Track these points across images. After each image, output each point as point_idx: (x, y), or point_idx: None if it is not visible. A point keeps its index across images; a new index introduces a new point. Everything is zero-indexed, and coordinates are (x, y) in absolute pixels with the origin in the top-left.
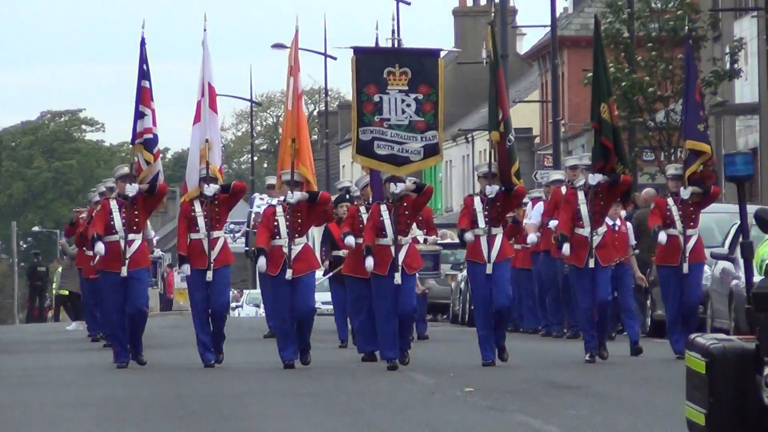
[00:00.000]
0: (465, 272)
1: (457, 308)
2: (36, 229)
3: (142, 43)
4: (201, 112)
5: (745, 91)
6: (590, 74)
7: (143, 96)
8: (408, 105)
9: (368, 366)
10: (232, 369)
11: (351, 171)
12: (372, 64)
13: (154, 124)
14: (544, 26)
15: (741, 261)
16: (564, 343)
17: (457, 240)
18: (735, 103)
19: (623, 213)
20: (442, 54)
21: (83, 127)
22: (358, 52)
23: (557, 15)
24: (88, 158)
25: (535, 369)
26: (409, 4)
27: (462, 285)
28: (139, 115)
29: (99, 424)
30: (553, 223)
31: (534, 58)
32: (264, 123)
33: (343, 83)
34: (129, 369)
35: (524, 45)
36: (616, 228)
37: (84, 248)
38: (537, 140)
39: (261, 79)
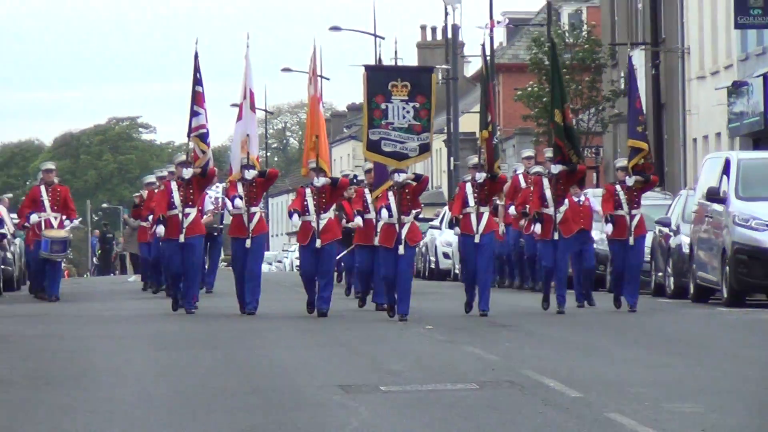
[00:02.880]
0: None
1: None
2: (104, 206)
3: (196, 56)
4: (243, 111)
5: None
6: (519, 92)
7: (197, 98)
8: (408, 111)
9: (357, 312)
10: (257, 315)
11: (340, 163)
12: (379, 78)
13: (207, 120)
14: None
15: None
16: (512, 294)
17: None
18: (627, 114)
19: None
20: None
21: (140, 129)
22: (369, 69)
23: (494, 47)
24: (144, 153)
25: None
26: (383, 38)
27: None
28: (193, 114)
29: (151, 349)
30: (511, 210)
31: (477, 79)
32: (275, 127)
33: (334, 97)
34: (178, 313)
35: (470, 69)
36: (581, 203)
37: (143, 221)
38: (478, 142)
39: (273, 95)
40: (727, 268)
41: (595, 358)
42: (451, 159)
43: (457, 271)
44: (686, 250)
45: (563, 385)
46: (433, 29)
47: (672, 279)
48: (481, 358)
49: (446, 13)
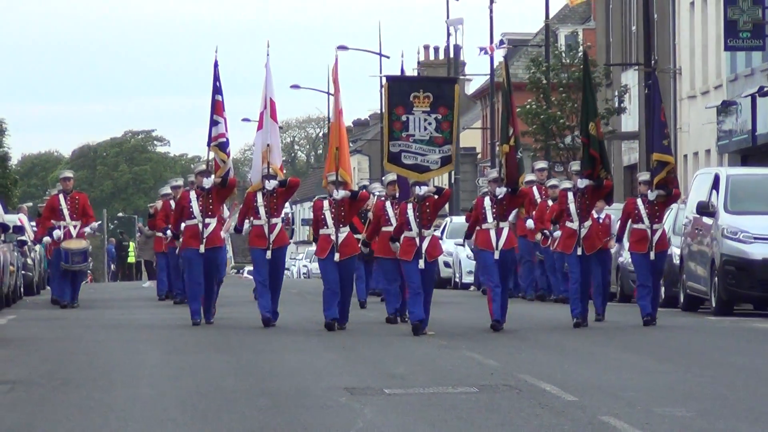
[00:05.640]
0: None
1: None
2: (120, 214)
3: (215, 64)
4: (263, 121)
5: (628, 122)
6: (518, 109)
7: (216, 107)
8: (429, 123)
9: (363, 319)
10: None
11: (357, 175)
12: (401, 89)
13: (226, 130)
14: (485, 75)
15: (626, 243)
16: (525, 304)
17: None
18: (621, 131)
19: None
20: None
21: (155, 142)
22: (390, 79)
23: (494, 66)
24: (158, 165)
25: (480, 319)
26: (388, 57)
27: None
28: (213, 123)
29: (165, 353)
30: (528, 223)
31: (477, 97)
32: (284, 141)
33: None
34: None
35: (471, 88)
36: (601, 220)
37: (158, 232)
38: (479, 156)
39: (282, 110)
40: (716, 278)
41: (590, 364)
42: (452, 173)
43: (457, 280)
44: (677, 261)
45: (559, 390)
46: (436, 49)
47: (663, 289)
48: (480, 363)
49: (448, 34)
